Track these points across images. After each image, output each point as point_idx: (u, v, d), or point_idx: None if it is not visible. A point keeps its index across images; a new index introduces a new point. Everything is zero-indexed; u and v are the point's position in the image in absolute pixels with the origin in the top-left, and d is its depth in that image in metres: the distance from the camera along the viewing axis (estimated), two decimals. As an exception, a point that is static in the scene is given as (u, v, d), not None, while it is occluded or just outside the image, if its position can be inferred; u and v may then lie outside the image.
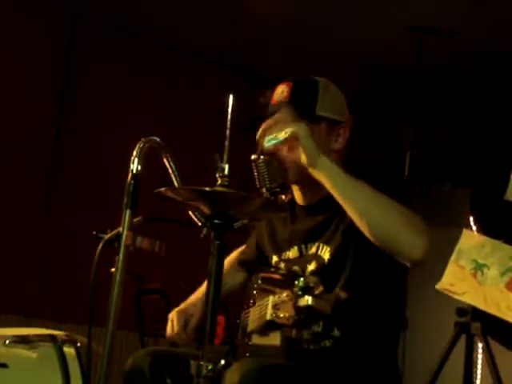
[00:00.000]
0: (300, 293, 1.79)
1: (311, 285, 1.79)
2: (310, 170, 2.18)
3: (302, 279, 1.80)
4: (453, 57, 5.33)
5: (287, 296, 1.83)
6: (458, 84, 5.68)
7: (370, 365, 2.27)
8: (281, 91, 2.38)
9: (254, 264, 2.61)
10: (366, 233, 2.11)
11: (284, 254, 2.47)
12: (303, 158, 2.17)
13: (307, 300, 1.78)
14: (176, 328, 2.56)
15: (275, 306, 1.87)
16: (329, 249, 2.29)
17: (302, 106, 2.34)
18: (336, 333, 2.19)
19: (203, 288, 2.63)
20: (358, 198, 2.14)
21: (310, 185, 2.33)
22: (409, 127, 5.31)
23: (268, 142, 2.23)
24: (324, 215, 2.35)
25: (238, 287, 2.73)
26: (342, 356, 2.22)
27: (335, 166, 2.16)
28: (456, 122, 6.08)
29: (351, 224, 2.17)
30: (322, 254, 2.31)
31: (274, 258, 2.51)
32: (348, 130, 2.40)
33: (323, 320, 1.86)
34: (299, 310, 1.79)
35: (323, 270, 2.27)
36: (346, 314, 2.16)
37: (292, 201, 2.50)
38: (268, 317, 1.89)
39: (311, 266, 2.32)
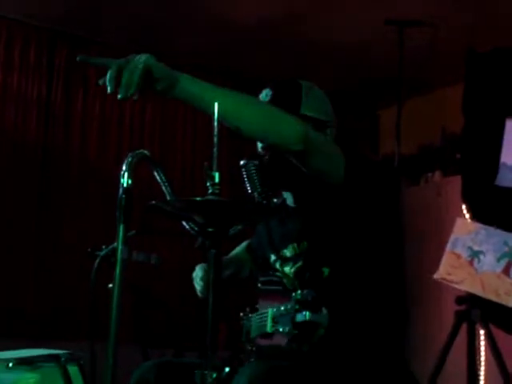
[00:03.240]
0: (297, 307, 1.79)
1: (309, 298, 1.79)
2: (172, 94, 2.03)
3: (299, 292, 1.80)
4: (435, 46, 5.34)
5: (285, 310, 1.83)
6: (444, 73, 5.72)
7: (375, 358, 2.27)
8: (265, 95, 2.41)
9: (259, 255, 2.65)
10: (244, 135, 2.10)
11: (281, 252, 2.48)
12: (158, 88, 2.00)
13: (305, 315, 1.78)
14: (197, 281, 2.59)
15: (274, 319, 1.87)
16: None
17: (286, 107, 2.34)
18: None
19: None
20: (226, 103, 2.04)
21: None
22: (395, 119, 5.32)
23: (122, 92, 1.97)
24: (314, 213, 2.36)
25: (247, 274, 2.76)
26: (337, 350, 2.22)
27: (196, 79, 2.07)
28: (442, 111, 6.12)
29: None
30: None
31: (272, 257, 2.52)
32: (334, 129, 2.42)
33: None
34: (297, 325, 1.79)
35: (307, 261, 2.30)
36: (338, 305, 2.16)
37: (284, 202, 2.51)
38: (268, 329, 1.90)
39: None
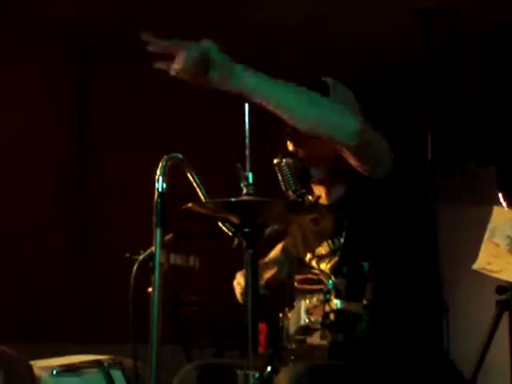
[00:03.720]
0: (328, 296, 1.79)
1: (340, 287, 1.79)
2: (228, 86, 2.07)
3: (330, 282, 1.80)
4: (462, 35, 5.30)
5: (317, 300, 1.83)
6: (472, 62, 5.66)
7: (416, 350, 2.27)
8: None
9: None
10: (298, 126, 2.15)
11: (316, 250, 2.48)
12: (214, 77, 2.03)
13: (336, 304, 1.77)
14: (238, 289, 2.59)
15: (308, 311, 1.87)
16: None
17: None
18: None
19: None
20: (286, 98, 2.11)
21: (332, 182, 2.37)
22: (427, 111, 5.30)
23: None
24: (350, 213, 2.36)
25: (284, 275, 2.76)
26: (380, 344, 2.22)
27: (252, 71, 2.08)
28: (473, 100, 6.06)
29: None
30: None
31: (308, 256, 2.53)
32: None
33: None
34: (329, 314, 1.79)
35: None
36: (380, 298, 2.16)
37: (318, 199, 2.51)
38: (302, 322, 1.90)
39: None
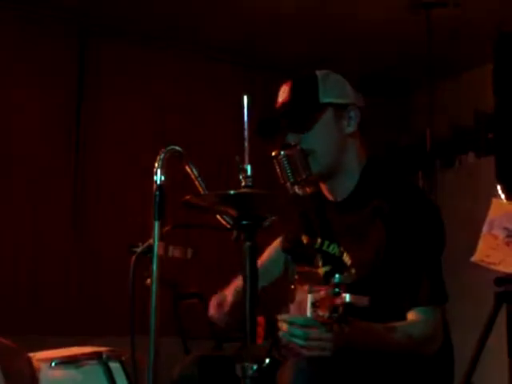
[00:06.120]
0: (337, 290, 1.79)
1: (348, 281, 1.79)
2: None
3: (337, 276, 1.80)
4: (463, 27, 5.30)
5: (325, 294, 1.83)
6: (472, 54, 5.66)
7: None
8: (282, 91, 2.44)
9: (293, 252, 2.65)
10: None
11: (314, 240, 2.51)
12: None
13: (345, 297, 1.77)
14: (212, 308, 2.59)
15: (314, 304, 1.87)
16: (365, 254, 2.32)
17: (304, 99, 2.38)
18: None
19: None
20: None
21: (336, 178, 2.38)
22: (426, 102, 5.30)
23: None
24: (355, 215, 2.37)
25: (281, 274, 2.75)
26: None
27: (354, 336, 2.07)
28: (473, 91, 6.06)
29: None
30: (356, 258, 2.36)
31: (304, 238, 2.56)
32: (358, 110, 2.42)
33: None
34: (337, 308, 1.79)
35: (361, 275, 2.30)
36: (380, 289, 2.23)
37: (318, 194, 2.50)
38: (308, 315, 1.89)
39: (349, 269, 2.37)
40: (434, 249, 2.30)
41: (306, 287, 1.95)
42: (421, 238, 2.27)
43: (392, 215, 2.27)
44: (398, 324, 2.21)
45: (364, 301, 1.79)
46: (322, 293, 1.85)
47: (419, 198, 2.37)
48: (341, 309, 1.78)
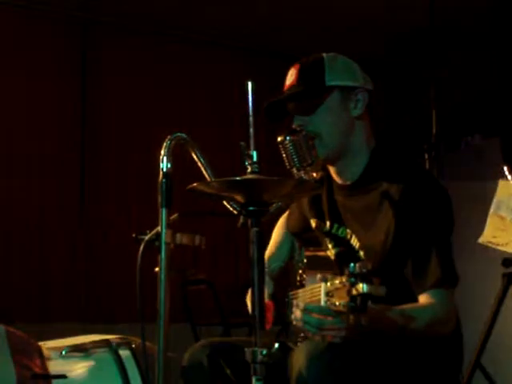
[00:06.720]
0: (353, 279, 1.78)
1: (364, 270, 1.78)
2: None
3: (352, 265, 1.79)
4: (465, 7, 5.28)
5: (340, 283, 1.82)
6: (475, 34, 5.63)
7: None
8: (290, 75, 2.44)
9: (302, 236, 2.65)
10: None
11: (323, 224, 2.51)
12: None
13: (362, 287, 1.77)
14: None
15: (329, 294, 1.86)
16: (380, 236, 2.32)
17: (310, 82, 2.38)
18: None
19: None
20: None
21: (344, 161, 2.38)
22: (430, 84, 5.27)
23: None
24: (364, 198, 2.37)
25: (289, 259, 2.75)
26: None
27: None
28: (477, 72, 6.04)
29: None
30: (368, 242, 2.36)
31: (313, 223, 2.55)
32: (366, 93, 2.41)
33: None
34: (355, 298, 1.78)
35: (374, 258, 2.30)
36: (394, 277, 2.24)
37: (327, 177, 2.50)
38: (322, 304, 1.89)
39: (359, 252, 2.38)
40: (443, 231, 2.30)
41: (317, 274, 1.95)
42: (430, 221, 2.27)
43: (401, 199, 2.27)
44: (410, 307, 2.21)
45: (381, 291, 1.78)
46: (337, 282, 1.84)
47: (428, 181, 2.36)
48: (359, 299, 1.77)
